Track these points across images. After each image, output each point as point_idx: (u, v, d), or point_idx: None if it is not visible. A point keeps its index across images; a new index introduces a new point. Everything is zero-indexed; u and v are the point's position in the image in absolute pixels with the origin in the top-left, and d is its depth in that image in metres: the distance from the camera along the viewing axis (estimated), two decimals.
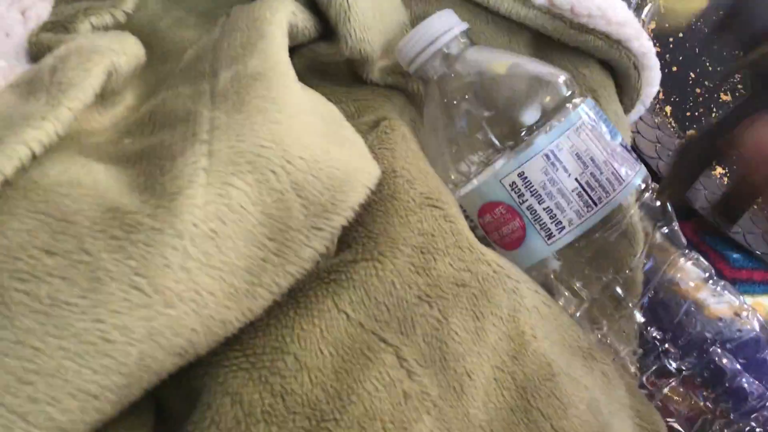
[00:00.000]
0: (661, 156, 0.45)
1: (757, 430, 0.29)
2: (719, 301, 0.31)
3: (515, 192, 0.28)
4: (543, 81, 0.30)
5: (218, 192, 0.20)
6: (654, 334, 0.31)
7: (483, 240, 0.29)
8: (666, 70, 0.47)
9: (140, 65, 0.27)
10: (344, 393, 0.21)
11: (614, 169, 0.29)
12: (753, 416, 0.29)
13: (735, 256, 0.43)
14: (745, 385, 0.30)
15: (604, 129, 0.30)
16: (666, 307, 0.31)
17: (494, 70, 0.31)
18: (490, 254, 0.27)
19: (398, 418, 0.21)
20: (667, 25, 0.49)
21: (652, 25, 0.49)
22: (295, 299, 0.23)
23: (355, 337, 0.22)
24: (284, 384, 0.21)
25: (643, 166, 0.31)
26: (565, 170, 0.28)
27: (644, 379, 0.32)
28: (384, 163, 0.26)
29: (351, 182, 0.23)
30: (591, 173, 0.28)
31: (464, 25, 0.31)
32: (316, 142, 0.23)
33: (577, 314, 0.30)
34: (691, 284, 0.31)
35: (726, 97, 0.49)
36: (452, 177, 0.31)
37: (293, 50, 0.27)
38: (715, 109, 0.49)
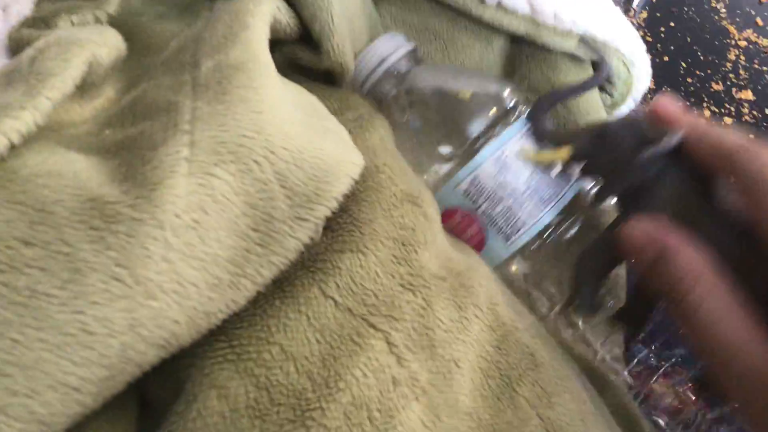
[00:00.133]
0: None
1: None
2: None
3: (469, 198, 0.30)
4: (489, 94, 0.31)
5: (200, 182, 0.20)
6: (634, 330, 0.31)
7: None
8: (657, 60, 0.47)
9: (121, 58, 0.27)
10: (331, 380, 0.21)
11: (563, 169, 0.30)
12: None
13: None
14: None
15: None
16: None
17: (442, 87, 0.32)
18: (462, 255, 0.27)
19: (386, 406, 0.21)
20: (658, 14, 0.49)
21: (644, 14, 0.49)
22: (281, 289, 0.22)
23: (344, 323, 0.22)
24: (269, 376, 0.21)
25: None
26: (515, 174, 0.29)
27: (626, 372, 0.32)
28: (366, 159, 0.26)
29: (335, 172, 0.23)
30: (540, 175, 0.29)
31: (410, 45, 0.33)
32: (299, 132, 0.23)
33: (551, 315, 0.31)
34: None
35: (717, 87, 0.49)
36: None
37: (273, 46, 0.26)
38: (706, 99, 0.49)
